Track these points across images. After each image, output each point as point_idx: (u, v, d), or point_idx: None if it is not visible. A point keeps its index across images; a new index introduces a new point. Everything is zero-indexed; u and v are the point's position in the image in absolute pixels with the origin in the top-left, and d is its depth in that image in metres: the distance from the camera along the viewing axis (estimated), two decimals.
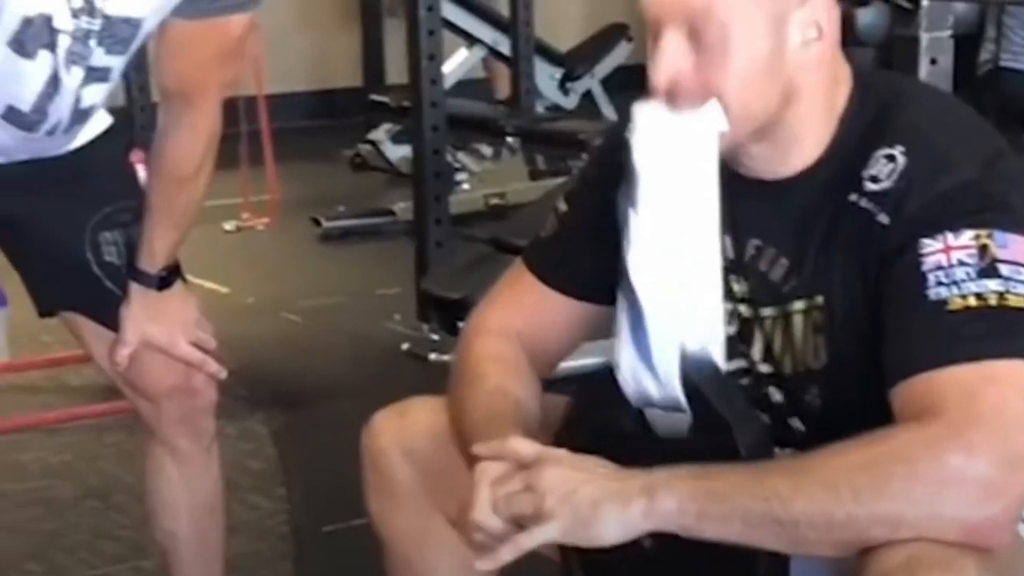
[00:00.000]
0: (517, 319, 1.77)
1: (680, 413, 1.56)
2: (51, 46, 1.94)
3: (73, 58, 1.97)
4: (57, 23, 1.92)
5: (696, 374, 1.55)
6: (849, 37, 3.67)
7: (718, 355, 1.58)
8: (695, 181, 1.56)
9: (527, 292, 1.79)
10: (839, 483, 1.39)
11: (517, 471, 1.49)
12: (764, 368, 1.66)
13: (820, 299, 1.58)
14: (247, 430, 3.45)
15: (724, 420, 1.53)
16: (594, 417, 1.62)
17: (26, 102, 1.99)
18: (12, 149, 2.09)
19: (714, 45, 1.52)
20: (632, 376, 1.57)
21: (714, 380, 1.56)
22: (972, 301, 1.45)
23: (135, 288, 2.17)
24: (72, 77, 1.99)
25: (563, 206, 1.79)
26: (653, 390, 1.56)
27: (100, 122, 2.19)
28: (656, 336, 1.55)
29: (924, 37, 3.20)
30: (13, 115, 2.01)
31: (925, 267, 1.47)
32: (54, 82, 1.98)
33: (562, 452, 1.50)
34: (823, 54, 1.57)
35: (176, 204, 2.15)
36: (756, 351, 1.66)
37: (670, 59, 1.54)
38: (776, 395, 1.66)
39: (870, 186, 1.54)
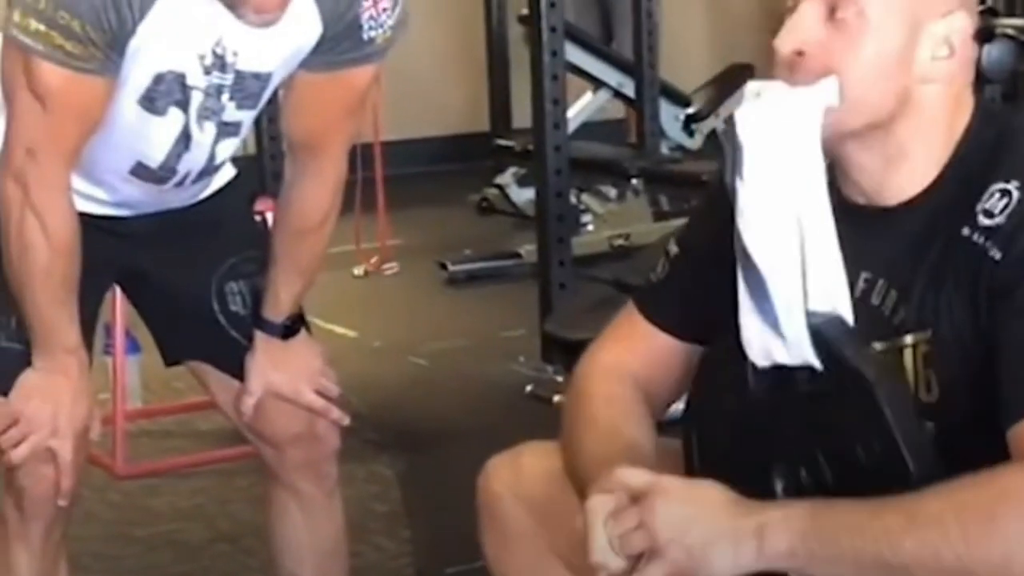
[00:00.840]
0: (629, 360, 1.77)
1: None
2: (183, 103, 1.99)
3: (205, 114, 2.01)
4: (190, 80, 1.97)
5: (828, 334, 1.53)
6: (975, 73, 3.64)
7: (847, 314, 1.55)
8: (800, 145, 1.55)
9: (639, 335, 1.79)
10: (948, 523, 1.37)
11: (628, 506, 1.48)
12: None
13: (929, 332, 1.57)
14: (374, 472, 3.49)
15: (864, 377, 1.51)
16: (721, 380, 1.62)
17: (154, 159, 2.04)
18: (140, 203, 2.14)
19: (848, 25, 1.53)
20: (760, 345, 1.56)
21: (848, 338, 1.54)
22: None
23: (260, 337, 2.20)
24: (204, 133, 2.03)
25: (674, 248, 1.79)
26: (783, 356, 1.55)
27: (225, 173, 2.24)
28: (781, 300, 1.54)
29: None
30: (141, 170, 2.06)
31: None
32: (185, 139, 2.03)
33: (672, 481, 1.49)
34: (950, 74, 1.57)
35: (301, 254, 2.18)
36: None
37: (802, 26, 1.55)
38: None
39: (984, 220, 1.52)
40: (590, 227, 5.67)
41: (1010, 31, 3.46)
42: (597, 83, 6.33)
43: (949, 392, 1.57)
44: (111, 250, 2.16)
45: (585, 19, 6.60)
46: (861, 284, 1.62)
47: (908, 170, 1.59)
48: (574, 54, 5.72)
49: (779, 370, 1.57)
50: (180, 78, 1.97)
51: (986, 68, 3.74)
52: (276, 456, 2.28)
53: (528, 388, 4.05)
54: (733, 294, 1.59)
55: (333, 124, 2.12)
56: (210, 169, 2.13)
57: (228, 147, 2.11)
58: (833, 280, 1.55)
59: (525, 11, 4.34)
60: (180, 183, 2.11)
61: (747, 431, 1.60)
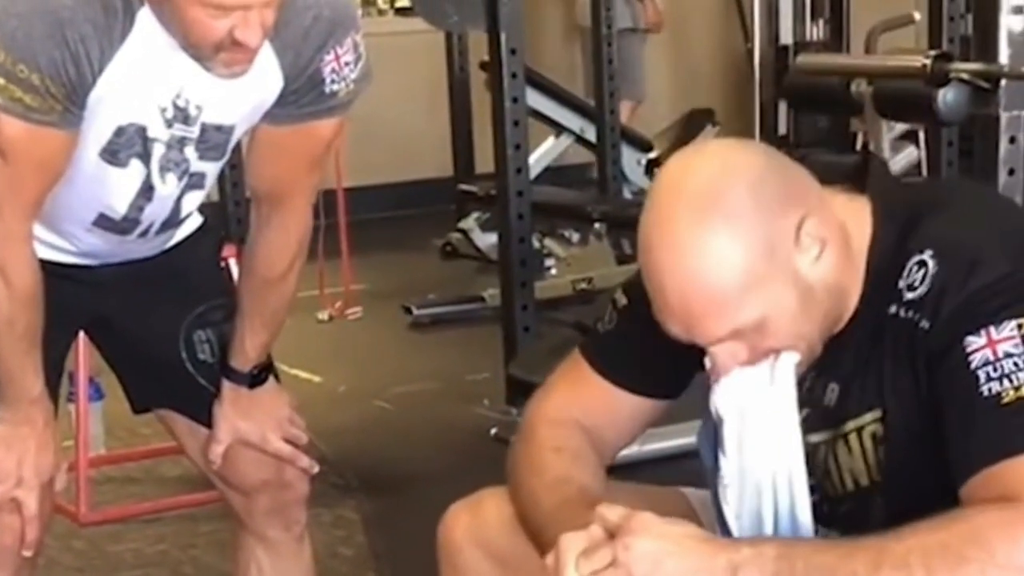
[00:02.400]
0: (575, 409, 1.79)
1: None
2: (144, 156, 1.98)
3: (168, 166, 2.00)
4: (151, 132, 1.96)
5: None
6: (930, 116, 3.69)
7: None
8: (778, 419, 1.60)
9: (585, 384, 1.80)
10: (914, 565, 1.39)
11: (602, 542, 1.49)
12: (828, 486, 1.67)
13: (878, 412, 1.61)
14: (340, 517, 3.49)
15: None
16: None
17: (116, 211, 2.04)
18: (105, 253, 2.14)
19: (759, 331, 1.56)
20: None
21: None
22: None
23: (227, 386, 2.20)
24: (167, 184, 2.02)
25: (622, 299, 1.80)
26: None
27: (192, 221, 2.23)
28: None
29: (1003, 116, 3.21)
30: (104, 221, 2.06)
31: (974, 365, 1.49)
32: (147, 190, 2.02)
33: (648, 516, 1.50)
34: (835, 251, 1.59)
35: (267, 305, 2.18)
36: (820, 472, 1.67)
37: (727, 363, 1.59)
38: (842, 509, 1.67)
39: (908, 295, 1.56)
40: (553, 271, 5.70)
41: (964, 75, 3.53)
42: (559, 128, 6.38)
43: (901, 468, 1.60)
44: (77, 298, 2.15)
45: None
46: (807, 383, 1.66)
47: (847, 311, 1.63)
48: (536, 100, 5.76)
49: None
50: (142, 131, 1.96)
51: (940, 112, 3.81)
52: (244, 503, 2.28)
53: (493, 431, 4.06)
54: (677, 352, 1.63)
55: (297, 175, 2.12)
56: (175, 221, 2.13)
57: (194, 199, 2.11)
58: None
59: (487, 57, 4.36)
60: (144, 233, 2.10)
61: None
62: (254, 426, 2.21)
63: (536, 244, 4.95)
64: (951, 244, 1.56)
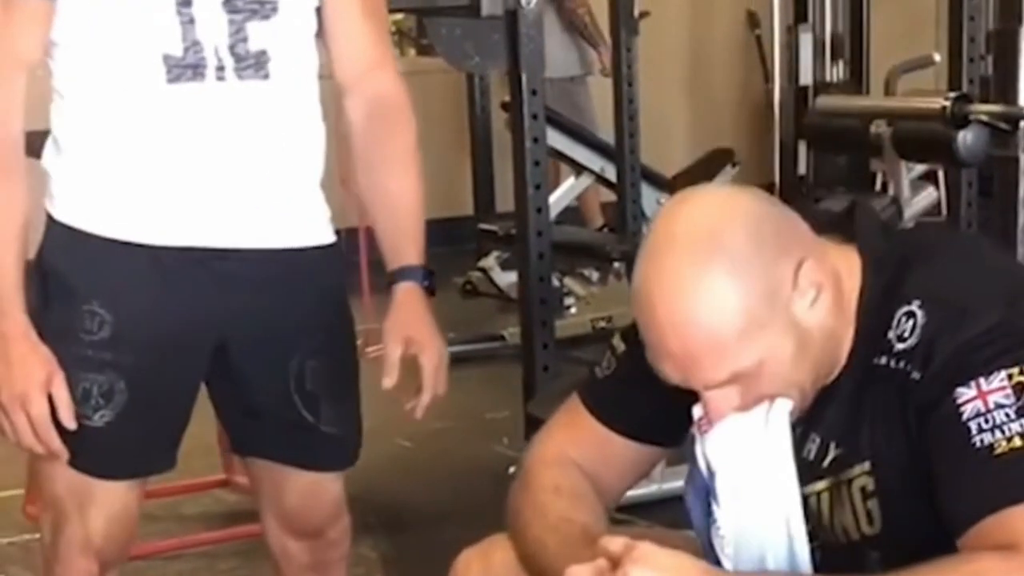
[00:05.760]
0: (574, 452, 1.79)
1: None
2: None
3: None
4: None
5: None
6: (950, 158, 3.70)
7: None
8: (774, 466, 1.60)
9: (583, 429, 1.81)
10: None
11: (606, 574, 1.50)
12: (822, 538, 1.67)
13: (867, 464, 1.60)
14: (358, 555, 3.48)
15: None
16: None
17: (171, 42, 1.99)
18: (212, 166, 2.04)
19: (754, 377, 1.56)
20: None
21: None
22: (1017, 442, 1.47)
23: (401, 288, 2.17)
24: None
25: (621, 346, 1.80)
26: None
27: (321, 229, 2.17)
28: None
29: (1022, 157, 3.23)
30: (173, 66, 2.00)
31: (965, 416, 1.50)
32: (184, 4, 1.98)
33: (649, 547, 1.51)
34: (830, 297, 1.59)
35: (395, 149, 2.18)
36: (814, 523, 1.67)
37: (721, 408, 1.59)
38: (837, 562, 1.66)
39: (898, 346, 1.57)
40: (573, 310, 5.71)
41: (984, 117, 3.54)
42: (579, 168, 6.39)
43: (894, 520, 1.60)
44: (207, 312, 2.08)
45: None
46: (796, 436, 1.65)
47: (839, 361, 1.63)
48: (556, 140, 5.78)
49: None
50: None
51: (959, 153, 3.83)
52: (284, 551, 2.30)
53: (512, 469, 4.04)
54: (675, 399, 1.63)
55: (376, 32, 2.15)
56: (251, 56, 2.03)
57: (264, 31, 2.03)
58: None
59: (508, 98, 4.38)
60: (220, 70, 2.02)
61: None
62: (421, 344, 2.16)
63: (556, 283, 4.95)
64: (939, 294, 1.56)
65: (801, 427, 1.64)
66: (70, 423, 2.02)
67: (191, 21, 1.99)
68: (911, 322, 1.55)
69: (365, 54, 2.15)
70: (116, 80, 2.01)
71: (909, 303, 1.56)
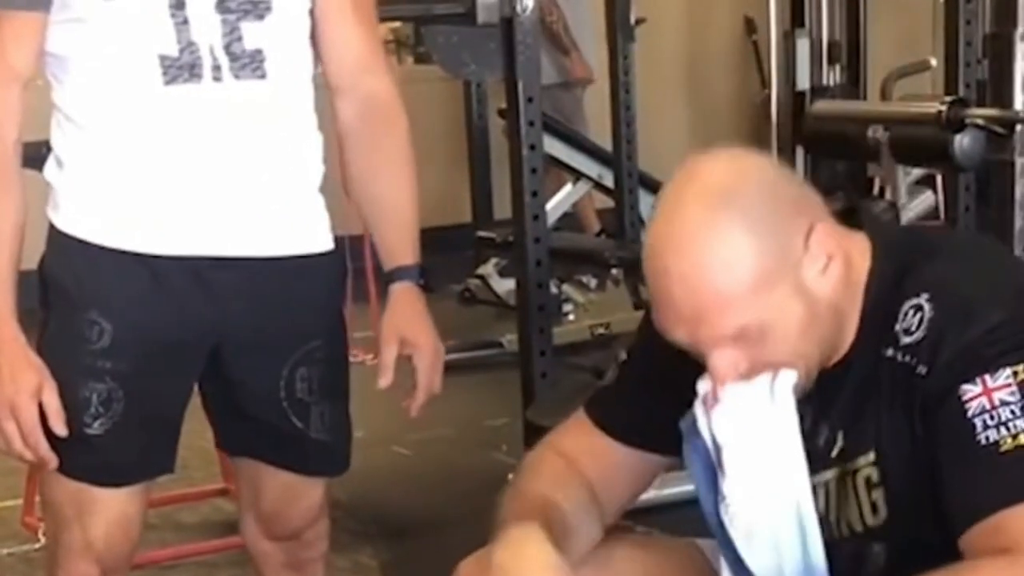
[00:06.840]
0: (575, 461, 1.80)
1: None
2: None
3: None
4: None
5: None
6: (946, 162, 3.70)
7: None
8: (781, 434, 1.61)
9: (588, 439, 1.82)
10: None
11: None
12: (826, 530, 1.67)
13: (872, 455, 1.61)
14: (357, 563, 3.49)
15: None
16: None
17: (167, 42, 1.99)
18: (211, 163, 2.05)
19: (761, 339, 1.56)
20: None
21: None
22: (1023, 439, 1.48)
23: (396, 288, 2.19)
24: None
25: (623, 355, 1.83)
26: None
27: (320, 236, 2.18)
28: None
29: (1019, 161, 3.24)
30: (168, 66, 2.00)
31: (970, 413, 1.50)
32: (177, 5, 1.98)
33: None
34: (839, 270, 1.60)
35: (388, 148, 2.19)
36: (819, 514, 1.67)
37: (727, 372, 1.58)
38: (840, 554, 1.67)
39: (904, 339, 1.57)
40: (571, 316, 5.71)
41: (980, 121, 3.54)
42: (577, 175, 6.39)
43: (898, 511, 1.60)
44: (208, 308, 2.08)
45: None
46: (807, 425, 1.66)
47: (844, 340, 1.63)
48: (553, 146, 5.78)
49: None
50: None
51: (956, 157, 3.83)
52: (263, 554, 2.30)
53: (511, 476, 4.04)
54: (678, 411, 1.63)
55: (366, 31, 2.15)
56: (246, 55, 2.04)
57: (258, 31, 2.04)
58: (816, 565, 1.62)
59: (504, 105, 4.38)
60: (217, 69, 2.02)
61: None
62: (416, 343, 2.18)
63: (554, 290, 4.95)
64: (948, 290, 1.56)
65: (811, 417, 1.64)
66: (61, 430, 2.02)
67: (185, 22, 2.00)
68: (919, 316, 1.55)
69: (356, 55, 2.16)
70: (114, 86, 2.01)
71: (917, 296, 1.57)
